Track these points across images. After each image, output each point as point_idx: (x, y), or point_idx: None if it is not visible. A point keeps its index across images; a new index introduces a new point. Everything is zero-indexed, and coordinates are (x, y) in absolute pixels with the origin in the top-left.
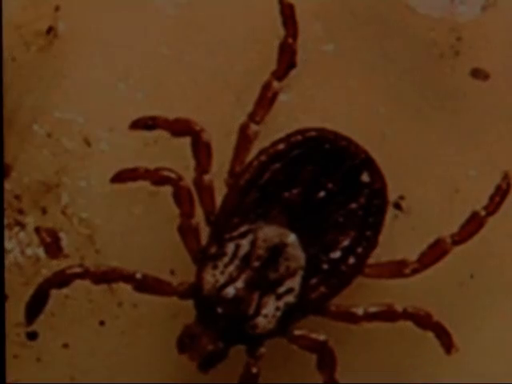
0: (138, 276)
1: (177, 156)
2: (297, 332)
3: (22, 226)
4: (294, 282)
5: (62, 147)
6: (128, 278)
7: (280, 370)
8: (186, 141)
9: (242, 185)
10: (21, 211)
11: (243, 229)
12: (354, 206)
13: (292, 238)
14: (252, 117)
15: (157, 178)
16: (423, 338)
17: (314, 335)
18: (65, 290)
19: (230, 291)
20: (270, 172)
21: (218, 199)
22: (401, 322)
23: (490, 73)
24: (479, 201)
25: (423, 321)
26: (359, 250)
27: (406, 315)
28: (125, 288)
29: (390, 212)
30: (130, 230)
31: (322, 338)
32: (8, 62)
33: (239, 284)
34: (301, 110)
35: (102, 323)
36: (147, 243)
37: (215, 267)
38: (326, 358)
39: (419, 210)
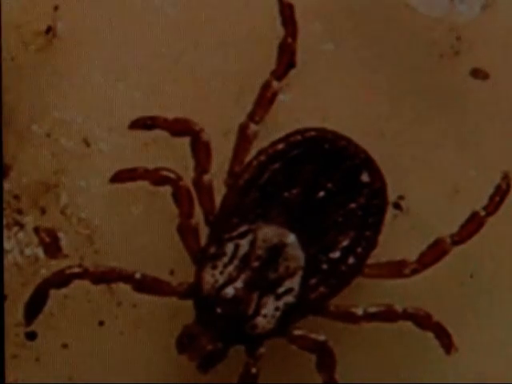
0: (138, 276)
1: (176, 156)
2: (296, 332)
3: (21, 225)
4: (294, 282)
5: (60, 147)
6: (127, 278)
7: (279, 370)
8: (186, 141)
9: (241, 185)
10: (20, 211)
11: (242, 229)
12: (353, 205)
13: (291, 238)
14: (251, 117)
15: (156, 178)
16: (423, 339)
17: (313, 335)
18: (64, 290)
19: (230, 291)
20: (270, 172)
21: (218, 199)
22: (400, 323)
23: (489, 73)
24: (479, 201)
25: (423, 321)
26: (359, 250)
27: (405, 315)
28: (124, 288)
29: (390, 212)
30: (129, 230)
31: (321, 338)
32: (7, 62)
33: (238, 284)
34: (300, 109)
35: (101, 323)
36: (146, 243)
37: (214, 267)
38: (325, 358)
39: (419, 210)
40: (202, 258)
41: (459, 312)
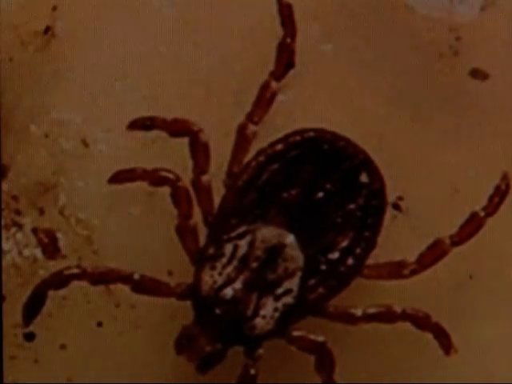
0: (136, 277)
1: (175, 156)
2: (295, 333)
3: (20, 226)
4: (293, 283)
5: (59, 147)
6: (126, 278)
7: (278, 371)
8: (184, 141)
9: (240, 185)
10: (18, 212)
11: (241, 230)
12: (352, 206)
13: (290, 238)
14: (250, 117)
15: (155, 178)
16: (422, 339)
17: (312, 336)
18: (62, 291)
19: (228, 292)
20: (268, 172)
21: (216, 200)
22: (399, 323)
23: (489, 73)
24: (478, 201)
25: (422, 322)
26: (358, 250)
27: (404, 316)
28: (122, 289)
29: (389, 213)
30: (127, 231)
31: (320, 339)
32: (5, 62)
33: (237, 285)
34: (299, 110)
35: (99, 324)
36: (145, 244)
37: (213, 268)
38: (324, 359)
39: (418, 210)
40: (200, 259)
41: (458, 313)
